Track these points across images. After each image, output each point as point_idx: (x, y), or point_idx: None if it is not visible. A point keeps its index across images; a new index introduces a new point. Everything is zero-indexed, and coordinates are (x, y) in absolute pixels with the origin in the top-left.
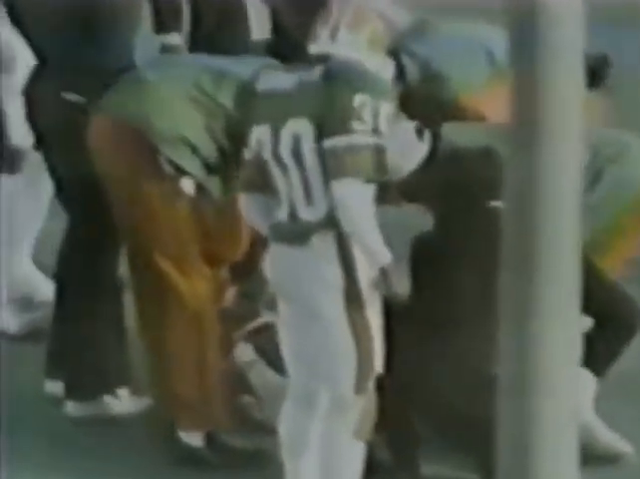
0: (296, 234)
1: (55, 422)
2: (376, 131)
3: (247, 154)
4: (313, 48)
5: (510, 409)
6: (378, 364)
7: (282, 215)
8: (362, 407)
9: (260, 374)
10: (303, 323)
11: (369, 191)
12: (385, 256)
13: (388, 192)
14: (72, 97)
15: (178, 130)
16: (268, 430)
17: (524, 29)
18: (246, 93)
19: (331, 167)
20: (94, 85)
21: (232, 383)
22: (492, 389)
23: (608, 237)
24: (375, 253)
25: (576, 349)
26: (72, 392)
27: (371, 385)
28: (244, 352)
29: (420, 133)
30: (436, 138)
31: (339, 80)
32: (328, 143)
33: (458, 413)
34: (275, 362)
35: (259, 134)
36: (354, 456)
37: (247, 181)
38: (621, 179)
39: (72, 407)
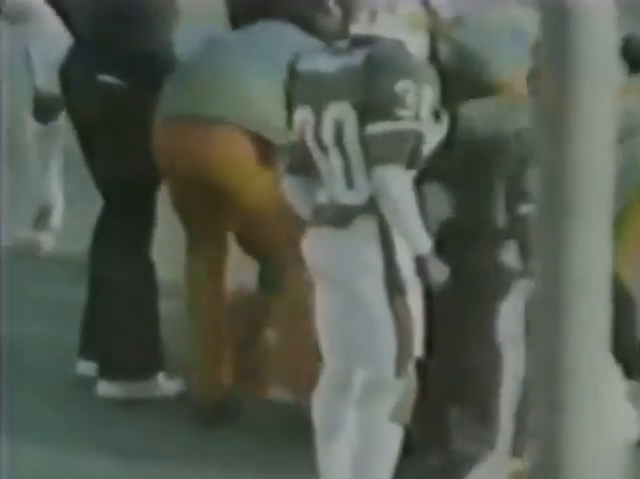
0: (338, 217)
1: (87, 403)
2: (418, 117)
3: (291, 135)
4: (353, 30)
5: (541, 388)
6: (418, 348)
7: (323, 198)
8: (401, 391)
9: None
10: (343, 306)
11: (409, 177)
12: (426, 243)
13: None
14: (109, 79)
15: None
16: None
17: (557, 21)
18: (289, 74)
19: (372, 153)
20: (132, 69)
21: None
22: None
23: (619, 217)
24: (416, 240)
25: (607, 324)
26: (105, 373)
27: (411, 369)
28: None
29: (436, 115)
30: (454, 119)
31: (382, 65)
32: (370, 129)
33: (489, 392)
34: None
35: (302, 115)
36: (391, 439)
37: (291, 163)
38: (633, 155)
39: (104, 387)
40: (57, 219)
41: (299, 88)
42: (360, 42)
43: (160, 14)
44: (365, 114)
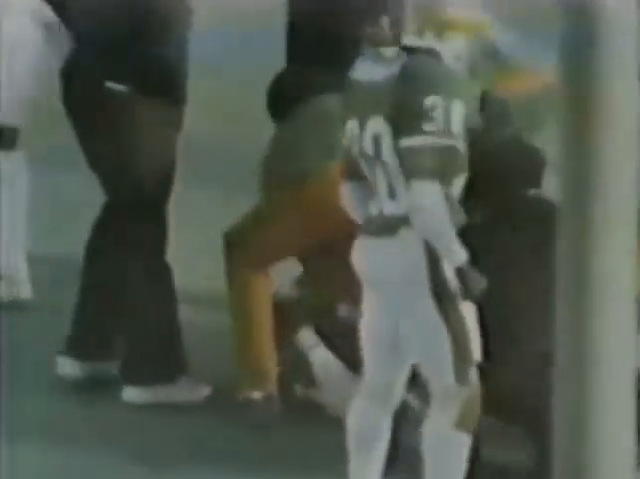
0: (383, 227)
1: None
2: (447, 132)
3: (345, 143)
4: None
5: (567, 390)
6: (477, 353)
7: (374, 208)
8: (464, 398)
9: (322, 359)
10: (389, 315)
11: (442, 190)
12: (461, 256)
13: None
14: (114, 86)
15: None
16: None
17: (578, 32)
18: (346, 82)
19: (405, 166)
20: (140, 76)
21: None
22: (551, 372)
23: None
24: (451, 253)
25: (634, 326)
26: (128, 378)
27: (472, 375)
28: (306, 337)
29: None
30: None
31: (413, 78)
32: (402, 142)
33: (517, 397)
34: (345, 354)
35: (350, 127)
36: (459, 447)
37: (347, 170)
38: None
39: (129, 393)
40: (23, 291)
41: (350, 98)
42: (405, 51)
43: (171, 19)
44: (398, 127)
